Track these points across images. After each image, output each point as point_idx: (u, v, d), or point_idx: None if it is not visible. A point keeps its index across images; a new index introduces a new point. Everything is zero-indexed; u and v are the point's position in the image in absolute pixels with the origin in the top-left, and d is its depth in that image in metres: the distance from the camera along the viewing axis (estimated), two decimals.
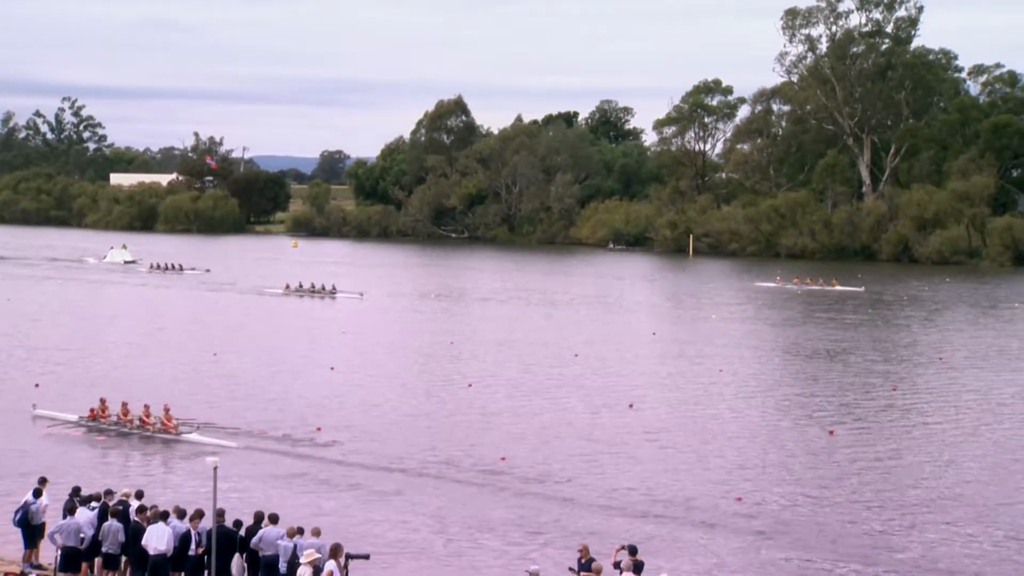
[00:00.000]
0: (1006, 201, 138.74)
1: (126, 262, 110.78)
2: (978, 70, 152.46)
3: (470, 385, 47.06)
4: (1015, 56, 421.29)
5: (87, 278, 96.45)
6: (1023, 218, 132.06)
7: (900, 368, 53.83)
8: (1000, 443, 37.74)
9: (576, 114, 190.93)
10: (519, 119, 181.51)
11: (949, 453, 36.11)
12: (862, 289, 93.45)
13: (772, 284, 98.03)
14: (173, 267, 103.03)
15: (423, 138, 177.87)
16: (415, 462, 33.74)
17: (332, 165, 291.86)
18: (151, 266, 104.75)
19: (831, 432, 38.76)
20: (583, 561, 20.81)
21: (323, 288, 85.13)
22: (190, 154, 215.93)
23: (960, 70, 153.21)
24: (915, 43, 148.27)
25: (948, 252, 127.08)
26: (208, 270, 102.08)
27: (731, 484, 31.77)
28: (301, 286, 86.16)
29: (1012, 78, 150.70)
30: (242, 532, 21.98)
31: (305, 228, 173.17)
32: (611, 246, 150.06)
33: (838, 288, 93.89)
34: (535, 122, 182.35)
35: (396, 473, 32.61)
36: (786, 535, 27.46)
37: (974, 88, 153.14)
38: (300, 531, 21.53)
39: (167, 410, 37.12)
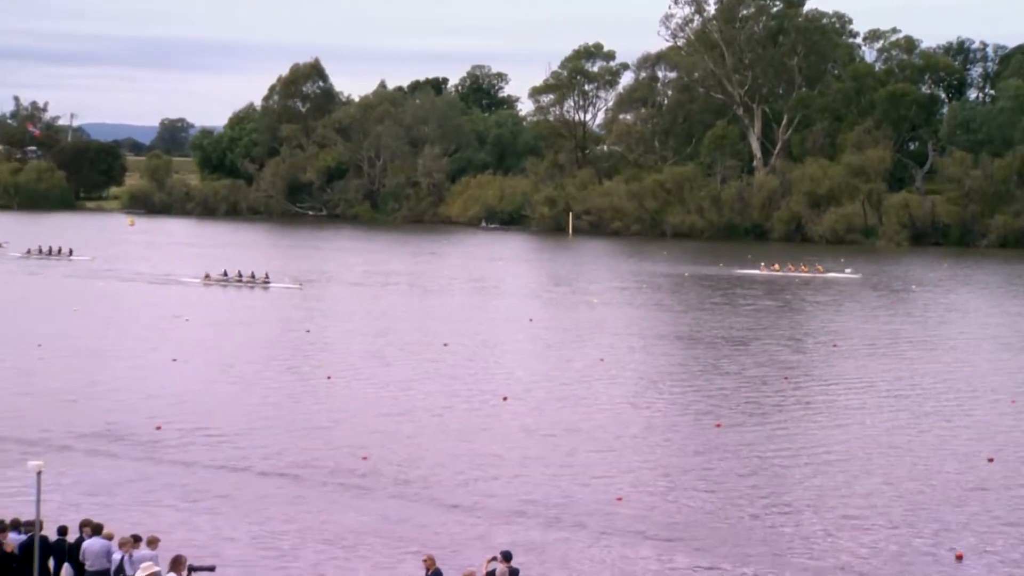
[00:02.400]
0: (903, 176, 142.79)
1: None
2: (874, 35, 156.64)
3: (329, 377, 46.88)
4: (912, 20, 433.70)
5: None
6: (921, 194, 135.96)
7: (793, 357, 55.16)
8: (886, 432, 38.92)
9: (445, 80, 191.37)
10: (383, 85, 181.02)
11: (835, 444, 37.14)
12: (858, 276, 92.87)
13: (756, 271, 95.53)
14: (56, 252, 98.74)
15: (276, 105, 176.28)
16: (267, 463, 33.50)
17: (173, 134, 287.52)
18: (28, 251, 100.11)
19: (718, 425, 39.56)
20: (429, 573, 20.74)
21: (253, 277, 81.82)
22: (9, 121, 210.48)
23: (855, 35, 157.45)
24: (807, 6, 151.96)
25: (843, 230, 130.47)
26: (95, 257, 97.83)
27: (611, 482, 32.24)
28: (226, 274, 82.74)
29: (909, 44, 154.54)
30: (69, 539, 21.60)
31: (143, 204, 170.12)
32: (484, 225, 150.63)
33: (828, 275, 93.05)
34: (400, 89, 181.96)
35: (245, 475, 32.35)
36: (667, 535, 27.99)
37: (870, 54, 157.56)
38: (136, 540, 21.17)
39: None
